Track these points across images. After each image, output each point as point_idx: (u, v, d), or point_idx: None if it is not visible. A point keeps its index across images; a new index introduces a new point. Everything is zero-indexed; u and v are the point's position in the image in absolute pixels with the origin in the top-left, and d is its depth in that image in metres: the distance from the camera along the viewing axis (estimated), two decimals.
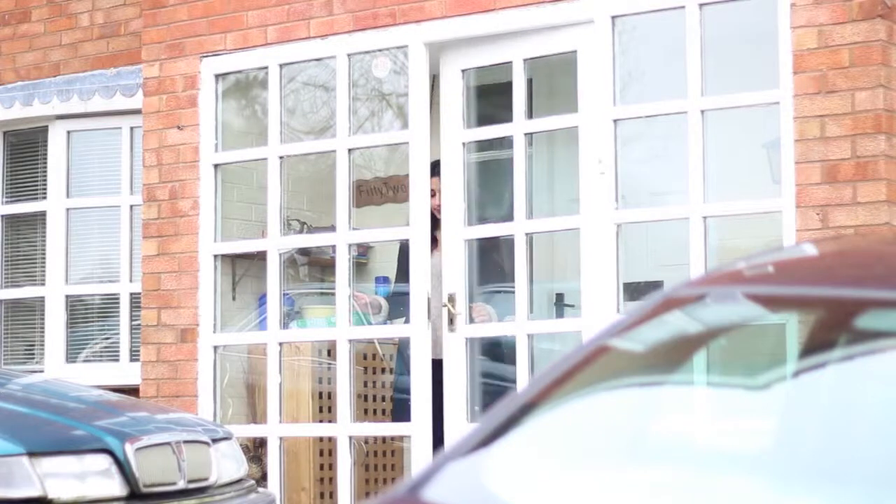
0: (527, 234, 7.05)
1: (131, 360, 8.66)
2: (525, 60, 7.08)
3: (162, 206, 7.94)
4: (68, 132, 9.02)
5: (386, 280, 8.63)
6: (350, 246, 7.57)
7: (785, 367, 2.60)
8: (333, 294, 7.61)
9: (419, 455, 7.11)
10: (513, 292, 7.04)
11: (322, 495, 8.07)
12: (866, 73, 6.19)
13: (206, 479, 5.40)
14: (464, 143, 7.22)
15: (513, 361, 6.99)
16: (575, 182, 6.98)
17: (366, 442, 8.23)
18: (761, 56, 6.63)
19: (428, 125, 7.30)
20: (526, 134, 7.11)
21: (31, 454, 4.86)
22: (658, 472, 2.43)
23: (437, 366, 7.15)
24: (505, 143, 7.41)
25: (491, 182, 7.83)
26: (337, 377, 7.49)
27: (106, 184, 8.97)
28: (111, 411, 5.53)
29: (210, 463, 5.44)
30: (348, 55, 7.52)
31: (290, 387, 8.01)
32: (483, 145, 7.66)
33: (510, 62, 7.09)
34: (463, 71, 7.27)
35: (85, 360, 8.97)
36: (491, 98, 7.56)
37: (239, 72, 8.04)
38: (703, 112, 6.59)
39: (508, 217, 7.14)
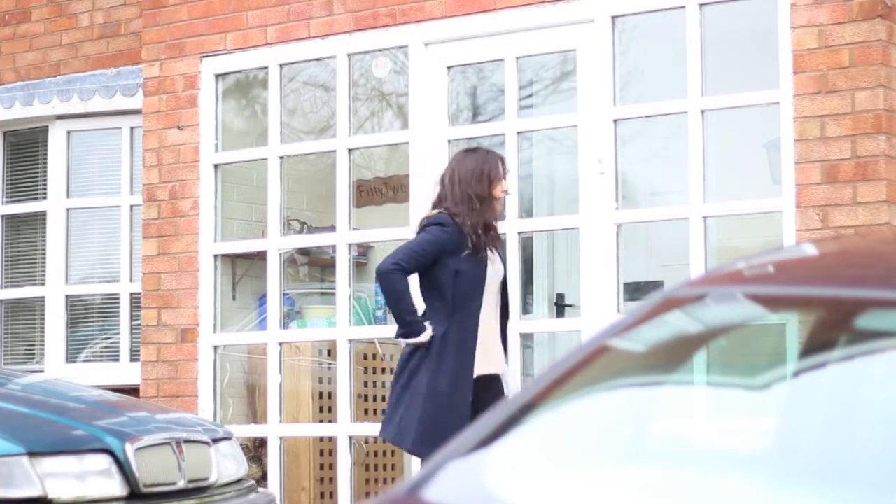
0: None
1: (131, 360, 8.65)
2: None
3: (162, 206, 7.94)
4: (68, 132, 9.01)
5: None
6: (350, 246, 7.57)
7: (785, 367, 2.60)
8: (333, 294, 7.61)
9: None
10: None
11: (322, 495, 8.07)
12: (866, 73, 6.19)
13: (206, 479, 5.39)
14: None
15: None
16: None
17: (366, 442, 8.22)
18: (761, 56, 6.63)
19: (428, 125, 7.29)
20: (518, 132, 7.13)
21: (32, 454, 4.85)
22: (658, 472, 2.43)
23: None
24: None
25: None
26: (337, 377, 7.49)
27: (106, 184, 8.96)
28: (111, 411, 5.52)
29: (210, 463, 5.44)
30: (348, 55, 7.52)
31: (290, 387, 8.01)
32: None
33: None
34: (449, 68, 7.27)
35: (85, 360, 8.96)
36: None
37: (239, 72, 8.04)
38: (703, 112, 6.59)
39: None
